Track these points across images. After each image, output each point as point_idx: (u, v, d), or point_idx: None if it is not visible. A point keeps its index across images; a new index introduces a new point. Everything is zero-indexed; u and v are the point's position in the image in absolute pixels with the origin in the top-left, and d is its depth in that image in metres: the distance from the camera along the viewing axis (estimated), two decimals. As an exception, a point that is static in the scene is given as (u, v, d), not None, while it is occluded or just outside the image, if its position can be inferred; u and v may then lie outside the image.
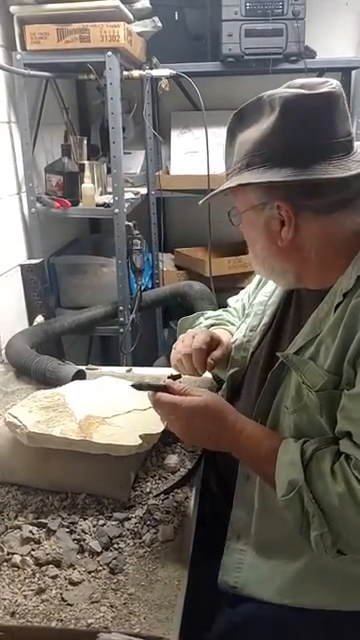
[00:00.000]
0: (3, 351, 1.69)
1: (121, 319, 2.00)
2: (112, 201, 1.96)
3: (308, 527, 0.86)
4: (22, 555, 0.90)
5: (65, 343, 2.11)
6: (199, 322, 1.34)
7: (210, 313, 1.37)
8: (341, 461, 0.86)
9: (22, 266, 1.93)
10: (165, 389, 0.96)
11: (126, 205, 2.00)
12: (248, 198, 0.96)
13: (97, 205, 2.00)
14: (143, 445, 1.03)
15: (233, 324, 1.30)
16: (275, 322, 1.11)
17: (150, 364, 2.23)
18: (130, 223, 1.95)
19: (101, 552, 0.92)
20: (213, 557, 1.05)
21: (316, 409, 0.90)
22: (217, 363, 1.14)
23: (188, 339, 1.15)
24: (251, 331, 1.15)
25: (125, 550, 0.92)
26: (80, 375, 1.44)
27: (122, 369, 1.57)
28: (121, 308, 2.00)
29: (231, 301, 1.41)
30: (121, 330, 2.00)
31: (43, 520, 0.96)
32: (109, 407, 1.11)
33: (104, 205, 1.98)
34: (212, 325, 1.30)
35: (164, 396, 0.96)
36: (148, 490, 1.04)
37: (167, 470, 1.09)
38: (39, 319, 1.94)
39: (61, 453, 1.02)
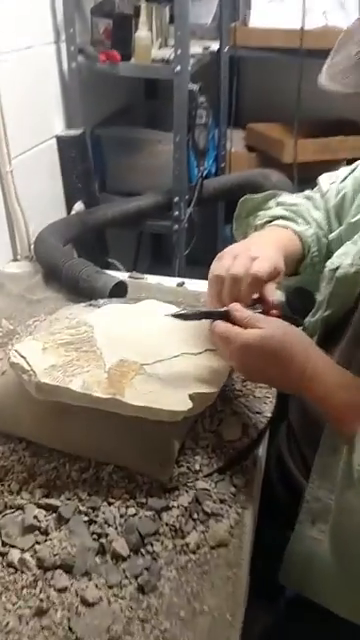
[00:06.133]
0: (32, 245, 1.39)
1: (176, 213, 1.64)
2: (173, 56, 1.52)
3: None
4: (22, 550, 0.67)
5: (109, 239, 1.78)
6: (268, 207, 0.98)
7: (285, 198, 0.99)
8: None
9: (59, 138, 1.57)
10: (226, 316, 0.75)
11: (191, 62, 1.56)
12: None
13: (154, 61, 1.57)
14: (194, 408, 0.74)
15: (308, 223, 0.94)
16: None
17: (206, 268, 1.88)
18: (194, 86, 1.53)
19: (128, 556, 0.67)
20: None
21: None
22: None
23: (245, 257, 0.78)
24: None
25: (161, 556, 0.67)
26: (120, 288, 1.15)
27: (172, 281, 1.25)
28: (176, 199, 1.64)
29: (323, 180, 1.00)
30: (175, 227, 1.65)
31: (54, 501, 0.72)
32: (150, 348, 0.81)
33: (163, 61, 1.55)
34: (281, 217, 0.93)
35: (220, 326, 0.74)
36: (197, 467, 0.77)
37: (224, 439, 0.81)
38: (78, 206, 1.61)
39: (82, 408, 0.75)
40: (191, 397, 0.75)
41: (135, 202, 1.64)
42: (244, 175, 1.73)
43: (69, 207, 1.64)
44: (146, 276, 1.27)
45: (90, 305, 1.08)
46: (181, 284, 1.24)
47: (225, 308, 0.76)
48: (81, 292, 1.17)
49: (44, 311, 1.15)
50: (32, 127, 1.46)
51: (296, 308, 1.06)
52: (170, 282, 1.25)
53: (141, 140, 1.84)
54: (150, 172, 1.84)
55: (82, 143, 1.62)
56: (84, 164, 1.63)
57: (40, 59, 1.49)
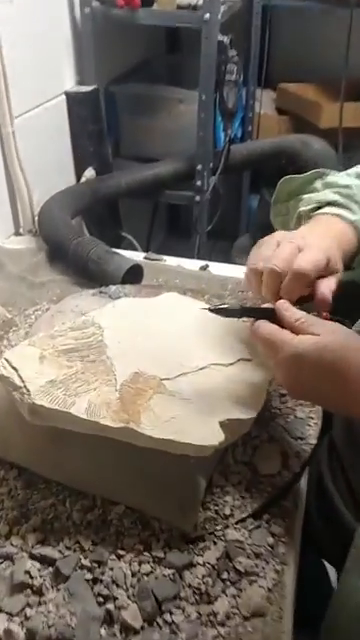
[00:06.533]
0: (37, 218, 1.24)
1: (198, 182, 1.47)
2: (201, 2, 1.32)
3: None
4: (10, 615, 0.54)
5: (121, 210, 1.61)
6: (314, 189, 0.81)
7: (333, 178, 0.80)
8: None
9: (68, 95, 1.39)
10: (272, 315, 0.60)
11: (222, 9, 1.35)
12: None
13: (179, 7, 1.37)
14: (226, 439, 0.60)
15: None
16: None
17: (229, 243, 1.73)
18: (225, 38, 1.33)
19: (142, 628, 0.54)
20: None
21: None
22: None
23: (289, 248, 0.64)
24: None
25: (183, 629, 0.54)
26: (135, 272, 0.99)
27: (194, 264, 1.09)
28: (200, 167, 1.45)
29: None
30: (197, 198, 1.48)
31: (50, 551, 0.58)
32: (171, 357, 0.66)
33: (189, 7, 1.35)
34: (330, 203, 0.76)
35: (265, 328, 0.60)
36: (227, 512, 0.62)
37: (260, 472, 0.66)
38: (89, 173, 1.44)
39: (85, 435, 0.60)
40: (222, 424, 0.60)
41: (153, 169, 1.46)
42: (278, 141, 1.53)
43: (78, 174, 1.47)
44: (164, 257, 1.11)
45: (100, 293, 0.93)
46: (204, 267, 1.08)
47: (271, 305, 0.62)
48: (90, 275, 1.02)
49: (47, 297, 1.00)
50: (38, 82, 1.28)
51: (341, 307, 0.91)
52: (192, 265, 1.09)
53: (161, 98, 1.65)
54: (170, 135, 1.65)
55: (94, 101, 1.44)
56: (96, 125, 1.45)
57: (49, 3, 1.30)
